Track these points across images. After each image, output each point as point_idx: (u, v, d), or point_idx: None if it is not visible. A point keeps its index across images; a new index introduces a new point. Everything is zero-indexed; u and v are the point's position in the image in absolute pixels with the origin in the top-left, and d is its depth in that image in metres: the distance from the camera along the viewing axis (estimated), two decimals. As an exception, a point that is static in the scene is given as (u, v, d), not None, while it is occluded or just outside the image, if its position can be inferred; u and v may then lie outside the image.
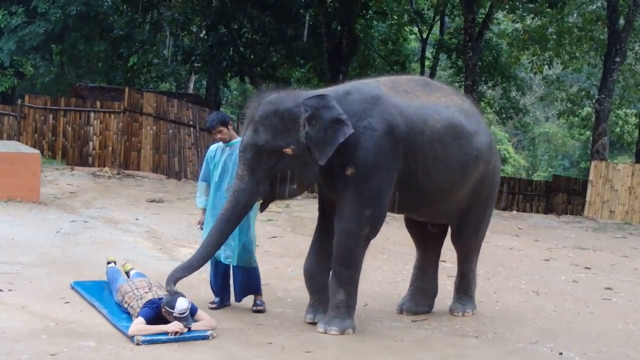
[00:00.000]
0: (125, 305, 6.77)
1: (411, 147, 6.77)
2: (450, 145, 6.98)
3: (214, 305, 7.35)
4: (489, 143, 7.46)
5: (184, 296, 6.43)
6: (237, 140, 7.22)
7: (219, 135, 7.30)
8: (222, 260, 7.29)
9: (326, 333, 6.68)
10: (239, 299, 7.47)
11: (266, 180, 6.53)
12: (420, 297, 7.78)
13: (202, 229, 7.43)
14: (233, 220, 6.63)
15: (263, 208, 6.95)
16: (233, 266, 7.35)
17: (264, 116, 6.42)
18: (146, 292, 6.75)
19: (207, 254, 6.65)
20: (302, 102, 6.49)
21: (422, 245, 7.87)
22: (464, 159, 7.09)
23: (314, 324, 6.90)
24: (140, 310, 6.42)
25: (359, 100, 6.71)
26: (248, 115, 6.60)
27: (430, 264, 7.81)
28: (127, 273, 7.57)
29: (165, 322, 6.30)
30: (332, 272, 6.82)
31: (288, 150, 6.43)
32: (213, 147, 7.45)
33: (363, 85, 7.01)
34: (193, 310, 6.46)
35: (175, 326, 6.22)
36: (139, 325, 6.21)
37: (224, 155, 7.30)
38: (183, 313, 6.30)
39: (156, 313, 6.37)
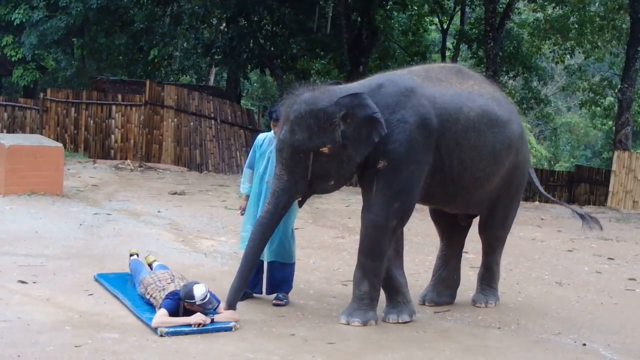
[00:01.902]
0: (148, 297, 6.80)
1: (445, 138, 6.77)
2: (485, 134, 6.99)
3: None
4: (520, 132, 7.49)
5: (197, 283, 6.49)
6: None
7: (277, 128, 7.12)
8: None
9: (349, 324, 6.68)
10: (269, 292, 7.46)
11: (304, 178, 6.53)
12: (443, 288, 7.78)
13: (243, 214, 7.52)
14: (274, 222, 6.66)
15: (301, 204, 6.99)
16: (268, 262, 7.36)
17: (300, 116, 6.40)
18: (168, 284, 6.78)
19: (252, 261, 6.67)
20: (336, 100, 6.46)
21: (446, 235, 7.86)
22: (497, 147, 7.09)
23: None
24: (163, 302, 6.46)
25: (392, 93, 6.70)
26: (283, 114, 6.59)
27: (454, 255, 7.81)
28: (149, 265, 7.60)
29: (188, 313, 6.34)
30: (357, 264, 6.82)
31: (325, 149, 6.43)
32: (261, 136, 7.51)
33: (396, 77, 6.97)
34: (215, 305, 6.48)
35: (198, 318, 6.25)
36: (162, 317, 6.24)
37: (271, 146, 7.24)
38: (204, 298, 6.35)
39: (178, 304, 6.40)
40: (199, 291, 6.35)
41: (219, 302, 6.55)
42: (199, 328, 6.22)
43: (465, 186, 7.03)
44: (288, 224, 7.33)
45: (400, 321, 6.88)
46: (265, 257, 7.29)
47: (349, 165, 6.57)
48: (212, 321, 6.34)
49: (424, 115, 6.63)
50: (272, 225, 6.63)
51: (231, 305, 6.50)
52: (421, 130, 6.63)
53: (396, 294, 6.96)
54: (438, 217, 7.87)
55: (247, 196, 7.46)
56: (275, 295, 7.41)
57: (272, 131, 7.38)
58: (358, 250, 6.81)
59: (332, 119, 6.42)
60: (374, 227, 6.68)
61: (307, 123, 6.38)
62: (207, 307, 6.37)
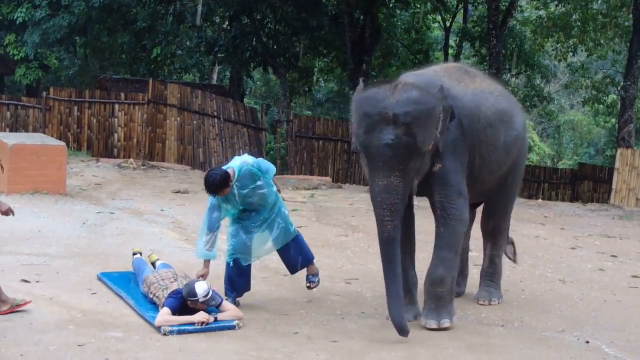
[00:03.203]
0: (151, 296, 6.81)
1: (472, 136, 6.85)
2: (499, 129, 7.12)
3: (314, 284, 7.38)
4: (524, 123, 7.75)
5: (199, 280, 6.51)
6: (237, 167, 6.99)
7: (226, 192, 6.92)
8: (243, 262, 7.16)
9: (439, 328, 6.66)
10: (294, 271, 7.43)
11: (412, 181, 6.43)
12: (460, 278, 7.87)
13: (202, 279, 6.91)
14: (399, 235, 6.45)
15: None
16: (281, 248, 7.26)
17: (416, 116, 6.19)
18: (171, 282, 6.78)
19: (399, 279, 6.46)
20: (436, 96, 6.39)
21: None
22: (508, 140, 7.27)
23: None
24: (166, 300, 6.46)
25: None
26: (376, 115, 6.21)
27: (463, 247, 7.87)
28: (153, 264, 7.61)
29: (191, 311, 6.34)
30: (438, 262, 6.73)
31: (430, 147, 6.37)
32: (214, 200, 6.97)
33: (428, 77, 6.94)
34: (218, 301, 6.48)
35: (201, 316, 6.25)
36: (165, 315, 6.25)
37: (234, 191, 6.92)
38: (207, 295, 6.35)
39: (181, 303, 6.40)
40: (201, 288, 6.35)
41: (221, 299, 6.55)
42: (203, 327, 6.22)
43: (482, 179, 7.16)
44: (282, 208, 7.28)
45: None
46: (275, 248, 7.26)
47: (431, 160, 6.53)
48: (216, 320, 6.35)
49: (458, 115, 6.67)
50: (399, 239, 6.44)
51: (402, 332, 6.30)
52: (459, 130, 6.72)
53: (406, 293, 6.96)
54: None
55: (209, 261, 7.03)
56: (307, 276, 7.38)
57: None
58: (440, 248, 6.71)
59: (439, 115, 6.37)
60: (458, 220, 6.73)
61: (424, 122, 6.23)
62: (210, 303, 6.38)
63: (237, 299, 7.10)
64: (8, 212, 6.42)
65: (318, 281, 7.41)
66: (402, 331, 6.26)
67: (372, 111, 6.22)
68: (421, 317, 6.78)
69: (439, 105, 6.33)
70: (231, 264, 7.07)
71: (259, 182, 7.05)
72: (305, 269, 7.38)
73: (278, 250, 7.31)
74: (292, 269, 7.40)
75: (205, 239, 6.97)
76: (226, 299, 6.77)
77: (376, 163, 6.27)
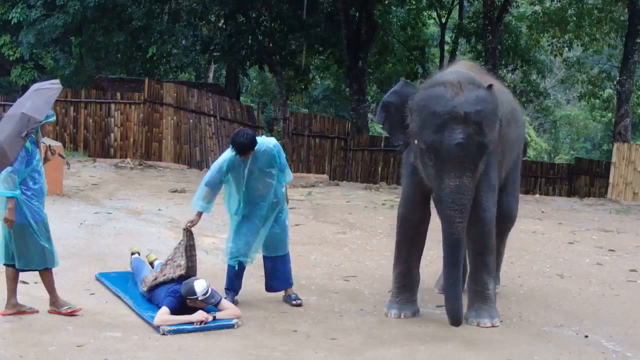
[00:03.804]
0: (149, 295, 6.82)
1: (499, 134, 6.82)
2: (512, 126, 7.18)
3: (300, 302, 7.24)
4: (524, 121, 7.97)
5: (197, 278, 6.52)
6: (261, 143, 7.00)
7: (242, 157, 6.92)
8: (245, 264, 7.20)
9: (493, 326, 6.69)
10: (275, 289, 7.37)
11: (475, 181, 6.39)
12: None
13: (189, 228, 7.07)
14: (464, 234, 6.42)
15: None
16: (270, 257, 7.26)
17: (486, 115, 6.21)
18: (180, 259, 6.90)
19: (460, 279, 6.46)
20: (496, 96, 6.40)
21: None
22: (516, 136, 7.43)
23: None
24: (164, 300, 6.46)
25: None
26: (446, 114, 6.15)
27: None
28: (151, 264, 7.61)
29: (190, 310, 6.34)
30: (479, 265, 6.68)
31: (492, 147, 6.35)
32: (228, 157, 6.98)
33: (467, 75, 6.84)
34: (217, 299, 6.48)
35: (200, 315, 6.26)
36: (163, 315, 6.25)
37: (247, 163, 6.95)
38: (206, 293, 6.37)
39: (180, 302, 6.40)
40: (200, 286, 6.36)
41: (220, 297, 6.55)
42: (202, 326, 6.22)
43: (500, 174, 7.17)
44: (285, 217, 7.30)
45: (402, 317, 6.90)
46: (262, 252, 7.26)
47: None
48: (215, 318, 6.35)
49: None
50: (463, 239, 6.41)
51: (456, 322, 6.39)
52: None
53: (406, 291, 6.97)
54: None
55: (201, 213, 7.07)
56: (289, 296, 7.31)
57: (233, 155, 6.94)
58: (478, 252, 6.66)
59: (499, 114, 6.38)
60: (491, 222, 6.72)
61: (492, 121, 6.25)
62: (209, 302, 6.38)
63: (235, 297, 7.11)
64: (7, 222, 6.28)
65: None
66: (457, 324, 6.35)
67: (441, 110, 6.16)
68: (471, 317, 6.76)
69: (499, 104, 6.35)
70: (236, 267, 7.11)
71: (272, 170, 7.05)
72: (287, 289, 7.39)
73: (265, 261, 7.31)
74: (270, 287, 7.38)
75: (203, 192, 7.03)
76: (225, 298, 6.78)
77: (447, 163, 6.20)
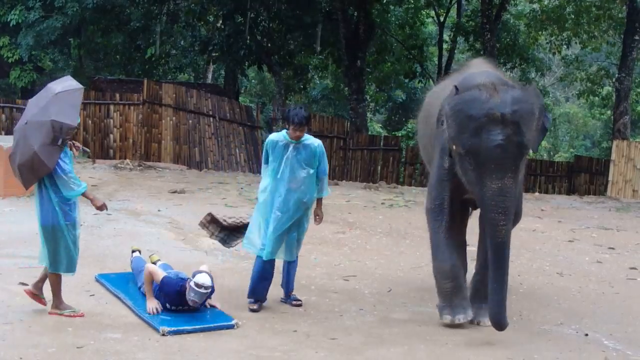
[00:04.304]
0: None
1: None
2: None
3: (256, 307, 7.06)
4: None
5: (209, 275, 6.55)
6: (307, 137, 7.02)
7: (299, 133, 6.92)
8: (277, 258, 7.09)
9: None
10: (286, 291, 7.32)
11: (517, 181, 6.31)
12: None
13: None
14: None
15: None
16: (289, 262, 7.19)
17: (526, 116, 6.16)
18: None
19: (506, 288, 6.25)
20: (534, 94, 6.36)
21: (456, 227, 7.98)
22: None
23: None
24: (166, 281, 6.64)
25: None
26: (483, 116, 6.09)
27: (463, 243, 8.00)
28: (154, 264, 7.61)
29: (180, 300, 6.51)
30: (505, 268, 6.35)
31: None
32: (274, 137, 7.04)
33: (496, 74, 6.85)
34: (199, 301, 6.59)
35: (151, 303, 6.56)
36: (156, 273, 6.67)
37: (288, 151, 6.95)
38: (200, 286, 6.43)
39: (176, 291, 6.54)
40: (202, 278, 6.45)
41: (213, 292, 6.66)
42: (202, 326, 6.24)
43: None
44: (306, 226, 7.23)
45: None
46: (285, 257, 7.12)
47: None
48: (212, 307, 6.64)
49: None
50: (509, 242, 6.28)
51: (503, 323, 6.23)
52: None
53: (464, 297, 6.87)
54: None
55: None
56: (288, 297, 7.30)
57: (286, 133, 7.00)
58: (507, 255, 6.35)
59: (537, 114, 6.32)
60: (515, 224, 6.65)
61: (530, 120, 6.20)
62: (191, 296, 6.47)
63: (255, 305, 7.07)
64: (103, 207, 6.59)
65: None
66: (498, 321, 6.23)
67: (478, 113, 6.10)
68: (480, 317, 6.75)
69: (537, 103, 6.30)
70: (264, 258, 7.00)
71: (309, 170, 6.99)
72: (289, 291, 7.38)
73: (289, 263, 7.21)
74: (288, 287, 7.33)
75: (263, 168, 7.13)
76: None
77: (487, 166, 6.11)
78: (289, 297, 7.29)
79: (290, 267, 7.23)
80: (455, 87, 6.44)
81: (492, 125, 6.05)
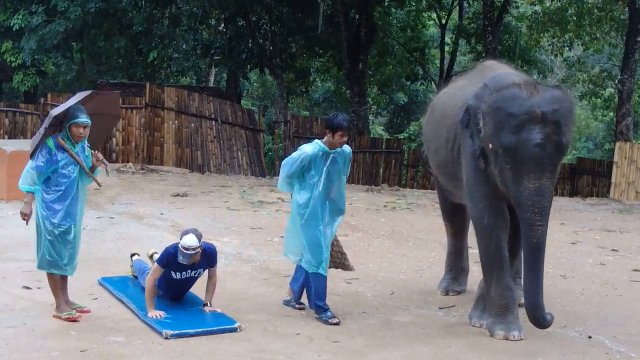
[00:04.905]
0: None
1: None
2: None
3: (302, 306, 7.14)
4: None
5: (197, 236, 6.58)
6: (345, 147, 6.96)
7: (344, 139, 6.90)
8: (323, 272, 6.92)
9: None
10: (297, 297, 7.23)
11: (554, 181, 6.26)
12: (463, 277, 8.12)
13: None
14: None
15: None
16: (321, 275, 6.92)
17: (566, 115, 6.11)
18: None
19: (542, 289, 6.17)
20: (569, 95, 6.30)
21: (458, 232, 8.13)
22: None
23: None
24: (159, 256, 6.78)
25: None
26: (523, 114, 6.02)
27: (465, 247, 8.13)
28: (151, 258, 7.64)
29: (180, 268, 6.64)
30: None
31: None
32: (311, 148, 6.92)
33: (523, 76, 6.85)
34: (212, 259, 6.77)
35: (151, 313, 6.56)
36: (153, 274, 6.71)
37: (328, 161, 6.91)
38: (188, 249, 6.50)
39: (167, 260, 6.66)
40: (187, 241, 6.51)
41: (215, 264, 6.83)
42: (204, 329, 6.25)
43: None
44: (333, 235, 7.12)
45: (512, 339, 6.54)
46: (323, 270, 6.90)
47: None
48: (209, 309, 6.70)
49: None
50: (545, 243, 6.19)
51: (543, 324, 6.21)
52: None
53: (512, 306, 6.72)
54: (455, 217, 8.07)
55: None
56: (289, 300, 7.25)
57: (321, 143, 6.95)
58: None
59: (574, 114, 6.28)
60: None
61: (569, 120, 6.15)
62: (185, 257, 6.54)
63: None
64: (23, 216, 6.52)
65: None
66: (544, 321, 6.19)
67: (518, 111, 6.03)
68: (474, 318, 6.79)
69: (574, 104, 6.27)
70: (323, 273, 6.86)
71: (342, 177, 6.97)
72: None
73: (316, 275, 6.95)
74: (298, 297, 7.23)
75: (287, 178, 6.98)
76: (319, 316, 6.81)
77: (525, 165, 6.04)
78: (288, 301, 7.25)
79: (317, 279, 6.94)
80: (486, 85, 6.39)
81: (533, 123, 5.99)
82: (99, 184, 6.88)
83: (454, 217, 8.10)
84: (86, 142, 6.61)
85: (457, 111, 6.84)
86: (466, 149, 6.72)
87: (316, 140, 6.98)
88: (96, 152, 6.69)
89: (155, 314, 6.53)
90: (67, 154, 6.45)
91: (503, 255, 6.59)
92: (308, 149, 6.90)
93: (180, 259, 6.54)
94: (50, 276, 6.54)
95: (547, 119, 5.98)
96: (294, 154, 6.95)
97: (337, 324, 6.69)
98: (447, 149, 7.17)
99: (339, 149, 6.93)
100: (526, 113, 6.01)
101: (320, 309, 6.83)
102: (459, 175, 6.94)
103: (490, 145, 6.24)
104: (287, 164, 6.93)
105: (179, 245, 6.53)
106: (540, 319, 6.17)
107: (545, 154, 6.01)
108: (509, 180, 6.20)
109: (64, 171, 6.46)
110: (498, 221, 6.59)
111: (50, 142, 6.38)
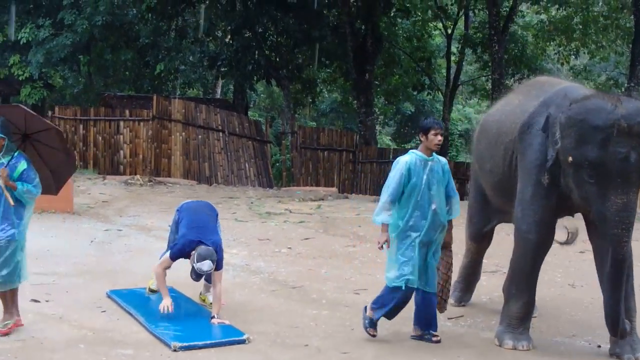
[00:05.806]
0: None
1: None
2: None
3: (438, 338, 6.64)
4: None
5: (212, 261, 6.72)
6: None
7: (440, 138, 6.57)
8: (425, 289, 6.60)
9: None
10: (425, 329, 6.71)
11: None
12: (474, 286, 8.13)
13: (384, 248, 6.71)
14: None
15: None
16: (420, 289, 6.59)
17: None
18: None
19: (622, 296, 6.16)
20: None
21: (481, 252, 8.08)
22: None
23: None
24: (173, 246, 7.01)
25: None
26: (609, 127, 5.75)
27: (481, 262, 8.16)
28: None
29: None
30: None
31: None
32: (408, 159, 6.56)
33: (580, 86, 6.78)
34: (217, 264, 6.86)
35: (165, 301, 6.79)
36: (163, 264, 7.00)
37: (427, 169, 6.57)
38: (202, 272, 6.73)
39: (183, 252, 6.91)
40: (204, 266, 6.69)
41: (220, 268, 6.96)
42: (213, 342, 6.26)
43: None
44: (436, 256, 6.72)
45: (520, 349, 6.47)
46: (427, 287, 6.59)
47: None
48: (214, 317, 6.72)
49: None
50: (628, 259, 6.12)
51: (622, 334, 6.17)
52: None
53: (528, 320, 6.70)
54: (483, 239, 7.96)
55: (387, 226, 6.66)
56: (425, 333, 6.72)
57: (417, 152, 6.63)
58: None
59: None
60: None
61: None
62: (196, 277, 6.83)
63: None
64: None
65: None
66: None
67: (604, 123, 5.75)
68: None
69: None
70: (403, 287, 6.52)
71: (441, 186, 6.61)
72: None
73: (424, 294, 6.62)
74: (432, 327, 6.71)
75: (384, 206, 6.64)
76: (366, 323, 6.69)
77: (612, 180, 5.81)
78: (428, 334, 6.70)
79: (426, 299, 6.63)
80: (566, 95, 6.22)
81: (620, 137, 5.72)
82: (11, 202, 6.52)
83: (484, 240, 7.93)
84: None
85: (517, 128, 6.62)
86: (525, 162, 6.49)
87: (411, 150, 6.70)
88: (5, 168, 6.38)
89: (167, 302, 6.77)
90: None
91: (536, 272, 6.60)
92: (403, 159, 6.60)
93: (194, 277, 6.79)
94: None
95: (633, 132, 5.72)
96: (390, 173, 6.62)
97: (373, 335, 6.59)
98: (504, 166, 6.91)
99: (435, 158, 6.64)
100: (612, 126, 5.73)
101: (375, 309, 6.64)
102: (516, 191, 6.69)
103: (570, 159, 5.95)
104: (387, 186, 6.60)
105: (194, 266, 6.68)
106: (621, 329, 6.12)
107: (634, 169, 5.79)
108: (592, 195, 5.97)
109: None
110: (545, 239, 6.54)
111: None
